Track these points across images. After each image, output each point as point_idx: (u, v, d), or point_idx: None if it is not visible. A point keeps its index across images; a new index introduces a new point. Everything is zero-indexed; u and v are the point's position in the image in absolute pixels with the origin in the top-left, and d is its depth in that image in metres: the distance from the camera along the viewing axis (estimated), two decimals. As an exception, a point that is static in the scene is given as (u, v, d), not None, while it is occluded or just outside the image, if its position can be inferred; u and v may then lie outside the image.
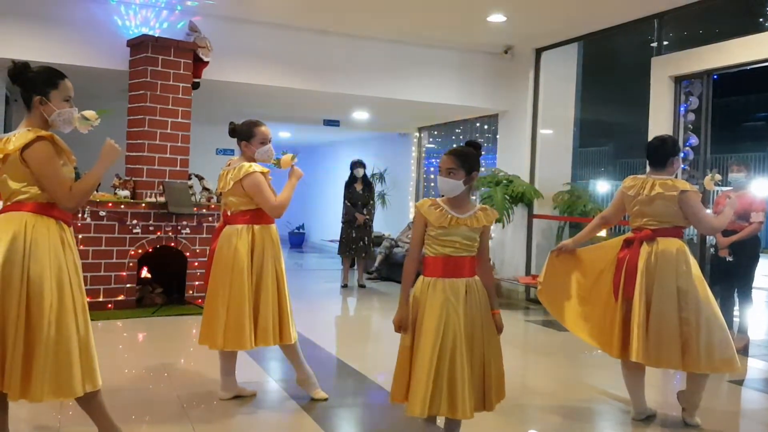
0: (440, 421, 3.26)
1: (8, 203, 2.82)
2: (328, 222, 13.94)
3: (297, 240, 16.42)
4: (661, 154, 3.97)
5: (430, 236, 3.12)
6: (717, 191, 6.94)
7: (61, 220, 2.86)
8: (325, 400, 4.12)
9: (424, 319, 3.04)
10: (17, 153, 2.74)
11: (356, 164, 9.42)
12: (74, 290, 2.83)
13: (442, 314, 3.01)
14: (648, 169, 4.07)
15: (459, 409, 2.98)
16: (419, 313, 3.09)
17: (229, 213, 4.03)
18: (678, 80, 6.92)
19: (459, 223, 3.08)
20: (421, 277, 3.16)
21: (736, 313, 6.02)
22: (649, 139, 4.16)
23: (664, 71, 6.96)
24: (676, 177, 4.00)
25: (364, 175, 9.47)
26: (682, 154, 6.82)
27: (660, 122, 6.90)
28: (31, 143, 2.74)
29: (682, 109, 6.93)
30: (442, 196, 3.20)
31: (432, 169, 11.43)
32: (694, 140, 6.86)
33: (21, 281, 2.72)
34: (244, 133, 4.04)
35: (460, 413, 2.99)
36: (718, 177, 4.81)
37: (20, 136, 2.77)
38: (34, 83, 2.83)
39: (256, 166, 3.93)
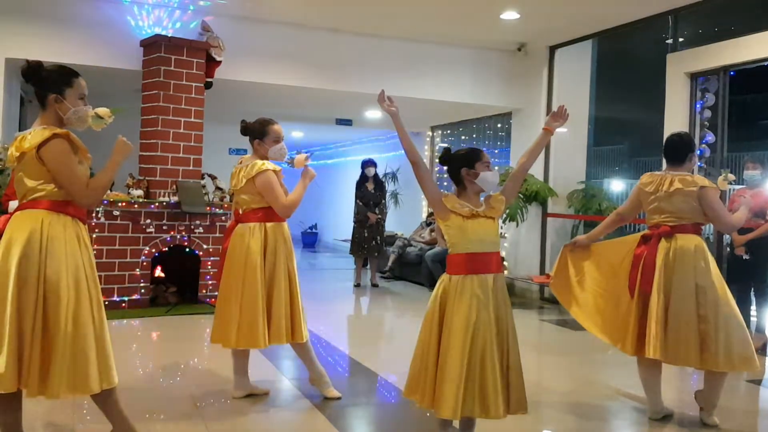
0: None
1: (24, 201, 2.82)
2: (340, 221, 13.93)
3: (310, 240, 16.44)
4: (681, 150, 3.93)
5: (453, 229, 3.10)
6: (731, 189, 6.87)
7: (76, 218, 2.87)
8: (339, 398, 4.10)
9: (453, 318, 3.00)
10: (33, 151, 2.75)
11: (367, 163, 9.41)
12: (90, 287, 2.84)
13: (471, 312, 2.98)
14: (665, 165, 4.02)
15: (492, 409, 2.95)
16: (447, 310, 3.05)
17: (240, 211, 4.02)
18: (694, 77, 6.84)
19: (480, 215, 3.08)
20: (446, 275, 3.12)
21: (753, 312, 5.94)
22: (665, 136, 4.12)
23: (680, 68, 6.89)
24: (693, 173, 3.95)
25: (375, 175, 9.45)
26: (698, 152, 6.76)
27: (676, 119, 6.83)
28: (47, 141, 2.75)
29: (698, 106, 6.86)
30: (456, 193, 3.18)
31: (445, 168, 11.36)
32: (710, 137, 6.78)
33: (38, 279, 2.72)
34: (257, 132, 4.03)
35: (493, 413, 2.95)
36: (731, 177, 4.75)
37: (36, 133, 2.78)
38: (49, 82, 2.84)
39: (269, 164, 3.92)
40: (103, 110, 2.95)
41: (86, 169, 2.90)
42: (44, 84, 2.83)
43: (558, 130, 9.45)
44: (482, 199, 3.21)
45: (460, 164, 3.17)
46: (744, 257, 5.80)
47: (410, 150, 3.17)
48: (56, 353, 2.71)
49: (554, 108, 8.44)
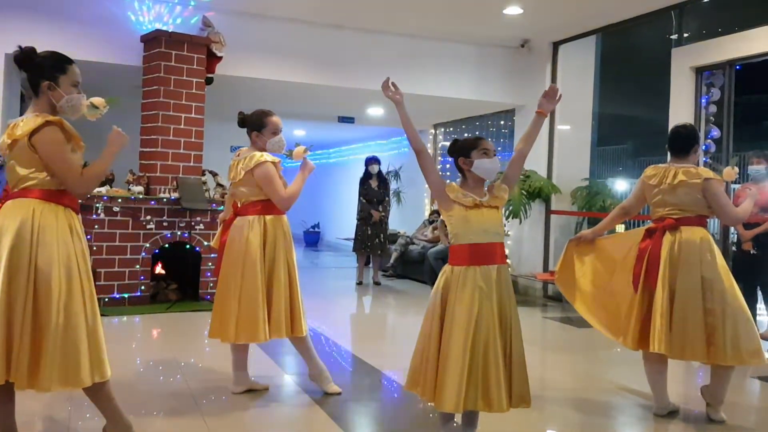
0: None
1: (15, 190, 2.76)
2: (343, 220, 13.90)
3: (312, 239, 16.40)
4: (685, 142, 3.87)
5: (456, 219, 3.04)
6: (733, 189, 6.82)
7: (69, 207, 2.81)
8: (339, 394, 4.04)
9: (456, 309, 2.95)
10: (25, 138, 2.69)
11: (371, 161, 9.34)
12: (83, 278, 2.77)
13: (473, 305, 2.92)
14: (669, 158, 3.96)
15: (494, 403, 2.90)
16: (449, 301, 2.99)
17: (239, 204, 3.97)
18: (699, 71, 6.77)
19: (483, 205, 3.03)
20: (448, 266, 3.07)
21: (762, 311, 5.87)
22: (670, 133, 4.06)
23: (685, 62, 6.82)
24: (697, 166, 3.89)
25: (379, 172, 9.39)
26: (703, 147, 6.70)
27: (681, 115, 6.75)
28: (40, 128, 2.69)
29: (703, 101, 6.79)
30: (458, 181, 3.13)
31: (448, 165, 11.32)
32: (715, 132, 6.72)
33: (29, 269, 2.66)
34: (255, 123, 3.98)
35: (496, 407, 2.91)
36: (736, 169, 4.70)
37: (28, 121, 2.72)
38: (42, 68, 2.78)
39: (268, 156, 3.87)
40: (98, 100, 2.90)
41: (80, 158, 2.84)
42: (37, 70, 2.78)
43: (561, 127, 9.38)
44: (486, 188, 3.16)
45: (458, 154, 3.15)
46: (751, 252, 5.74)
47: (414, 138, 3.14)
48: (47, 345, 2.65)
49: (558, 104, 8.44)
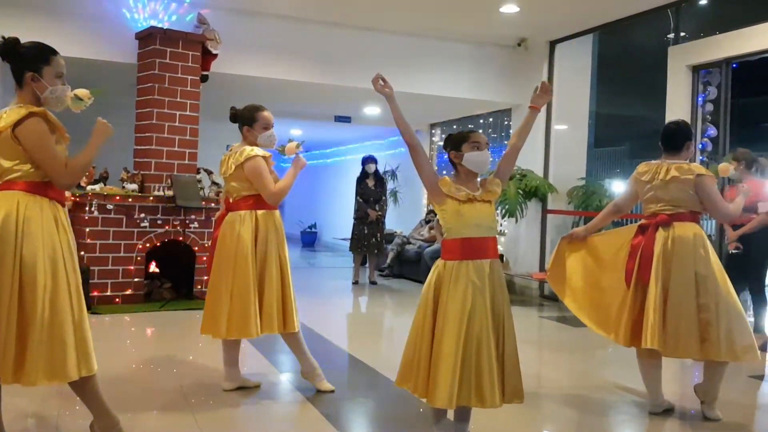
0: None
1: None
2: (339, 220, 13.86)
3: (309, 239, 16.38)
4: (677, 138, 3.85)
5: (449, 214, 3.02)
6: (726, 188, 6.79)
7: (54, 200, 2.77)
8: (332, 392, 4.01)
9: (448, 304, 2.92)
10: (9, 130, 2.66)
11: (368, 160, 9.32)
12: (68, 272, 2.73)
13: (466, 299, 2.90)
14: (663, 155, 3.93)
15: (487, 398, 2.88)
16: (441, 296, 2.97)
17: (231, 199, 3.94)
18: (696, 69, 6.75)
19: (476, 199, 3.01)
20: (440, 261, 3.05)
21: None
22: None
23: (682, 60, 6.80)
24: (691, 162, 3.87)
25: (376, 171, 9.36)
26: (700, 146, 6.68)
27: (677, 114, 6.72)
28: (24, 119, 2.66)
29: (699, 99, 6.77)
30: (451, 175, 3.10)
31: (444, 164, 11.29)
32: (712, 131, 6.70)
33: (14, 262, 2.62)
34: (246, 118, 3.95)
35: (489, 403, 2.88)
36: (731, 165, 4.68)
37: (11, 112, 2.69)
38: (26, 59, 2.75)
39: (258, 150, 3.85)
40: (82, 91, 2.87)
41: (64, 149, 2.80)
42: (21, 61, 2.75)
43: (558, 126, 9.33)
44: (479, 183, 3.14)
45: (449, 148, 3.14)
46: (731, 251, 5.70)
47: (406, 132, 3.11)
48: (32, 339, 2.61)
49: (554, 104, 8.40)
